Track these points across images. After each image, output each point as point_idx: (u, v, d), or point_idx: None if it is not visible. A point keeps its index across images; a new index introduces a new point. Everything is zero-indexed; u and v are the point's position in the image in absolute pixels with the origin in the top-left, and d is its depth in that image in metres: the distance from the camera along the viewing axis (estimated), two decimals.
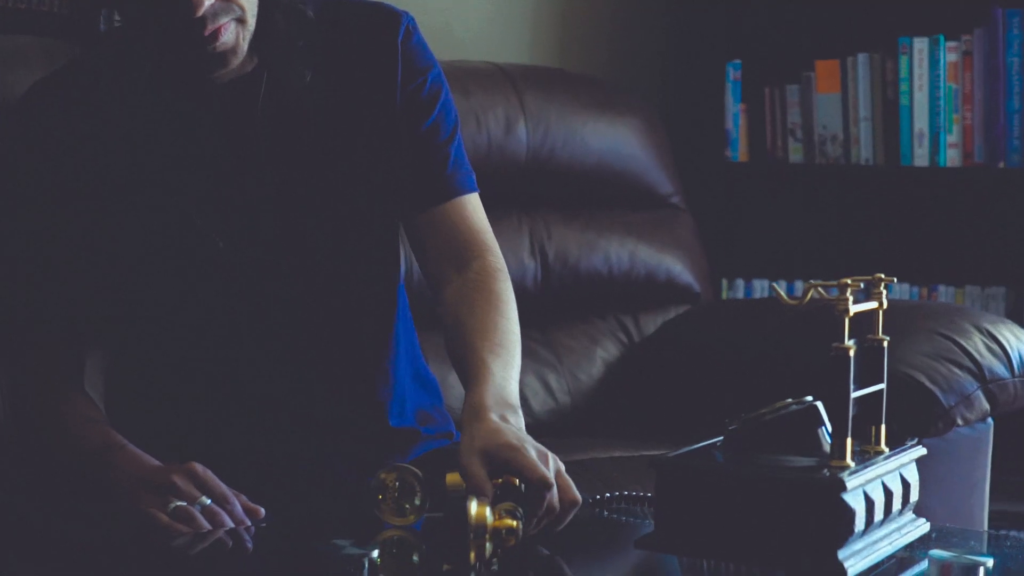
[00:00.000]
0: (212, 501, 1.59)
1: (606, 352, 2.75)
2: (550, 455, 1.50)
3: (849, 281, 1.42)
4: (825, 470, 1.40)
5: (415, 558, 1.53)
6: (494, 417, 1.54)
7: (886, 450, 1.50)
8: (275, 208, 1.74)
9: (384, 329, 1.84)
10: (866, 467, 1.42)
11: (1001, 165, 3.09)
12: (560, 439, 2.27)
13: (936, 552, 1.48)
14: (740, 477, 1.42)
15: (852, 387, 1.41)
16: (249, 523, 1.59)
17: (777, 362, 2.40)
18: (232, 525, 1.58)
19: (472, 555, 1.40)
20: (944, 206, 3.25)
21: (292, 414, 1.77)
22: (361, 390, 1.81)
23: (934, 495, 2.25)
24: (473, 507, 1.41)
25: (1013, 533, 1.70)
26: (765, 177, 3.31)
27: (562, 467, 1.51)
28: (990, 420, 2.36)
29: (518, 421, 1.57)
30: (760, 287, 3.28)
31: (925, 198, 3.25)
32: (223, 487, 1.61)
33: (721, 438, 1.50)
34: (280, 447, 1.76)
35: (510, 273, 1.80)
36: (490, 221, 1.83)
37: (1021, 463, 2.97)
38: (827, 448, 1.44)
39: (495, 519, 1.42)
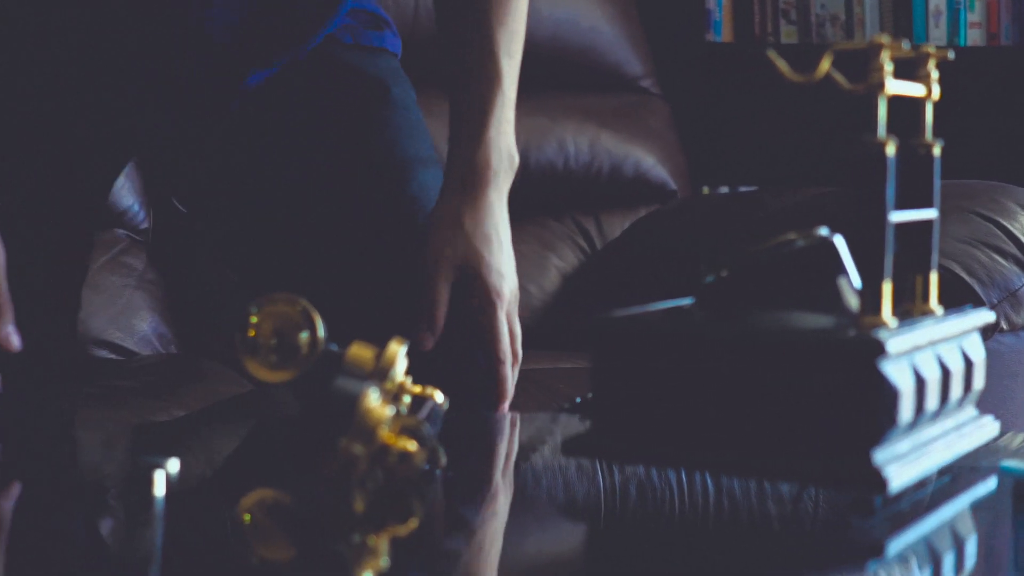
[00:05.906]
0: None
1: (562, 260, 2.30)
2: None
3: (886, 41, 0.93)
4: (852, 329, 0.90)
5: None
6: (492, 196, 1.34)
7: (939, 311, 1.00)
8: None
9: None
10: (913, 327, 0.93)
11: None
12: None
13: (1010, 463, 1.00)
14: (721, 343, 0.92)
15: (893, 204, 0.92)
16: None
17: None
18: None
19: (339, 462, 0.90)
20: (965, 95, 2.77)
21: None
22: None
23: None
24: (372, 399, 0.91)
25: None
26: (752, 63, 2.81)
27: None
28: None
29: (509, 181, 1.37)
30: None
31: (943, 86, 2.77)
32: None
33: (693, 298, 1.01)
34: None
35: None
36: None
37: None
38: (852, 303, 0.95)
39: (394, 431, 0.92)
